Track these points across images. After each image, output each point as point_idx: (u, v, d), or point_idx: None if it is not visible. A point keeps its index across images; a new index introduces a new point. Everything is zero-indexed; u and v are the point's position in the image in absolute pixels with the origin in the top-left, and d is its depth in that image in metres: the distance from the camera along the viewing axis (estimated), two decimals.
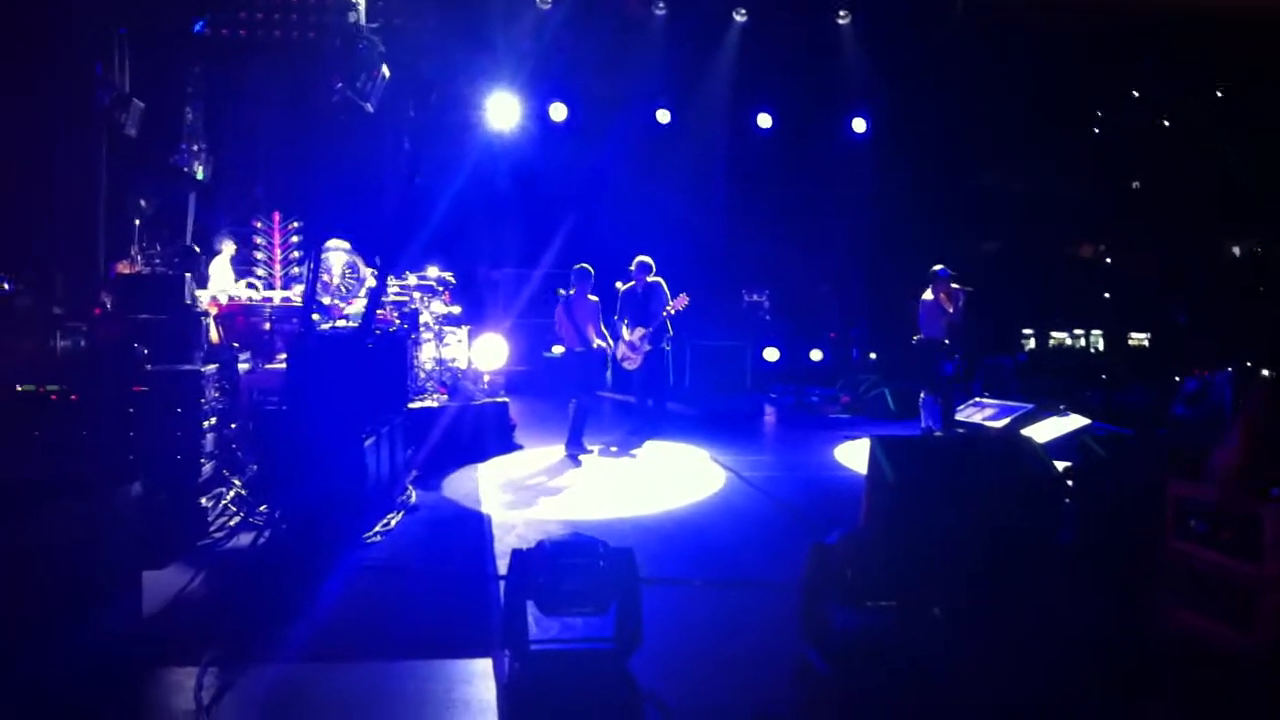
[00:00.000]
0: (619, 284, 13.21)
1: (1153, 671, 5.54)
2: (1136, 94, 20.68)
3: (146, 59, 12.62)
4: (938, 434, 13.11)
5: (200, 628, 6.01)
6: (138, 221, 12.35)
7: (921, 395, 13.53)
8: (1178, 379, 15.38)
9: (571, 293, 12.40)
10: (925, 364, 13.40)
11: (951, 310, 13.14)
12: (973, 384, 15.89)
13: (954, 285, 13.20)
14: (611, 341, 12.80)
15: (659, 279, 13.06)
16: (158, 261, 11.63)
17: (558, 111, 19.20)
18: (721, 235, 20.60)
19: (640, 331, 12.86)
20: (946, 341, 13.28)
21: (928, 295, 13.35)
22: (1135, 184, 21.94)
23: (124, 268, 11.12)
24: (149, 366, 7.92)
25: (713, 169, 20.76)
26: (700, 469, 11.57)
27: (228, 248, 13.59)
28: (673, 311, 12.91)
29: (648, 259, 13.06)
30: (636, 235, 16.34)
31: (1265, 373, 15.02)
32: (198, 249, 12.86)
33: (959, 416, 13.52)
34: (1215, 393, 14.48)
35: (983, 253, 20.74)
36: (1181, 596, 5.68)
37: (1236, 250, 22.58)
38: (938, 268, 13.34)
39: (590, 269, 12.46)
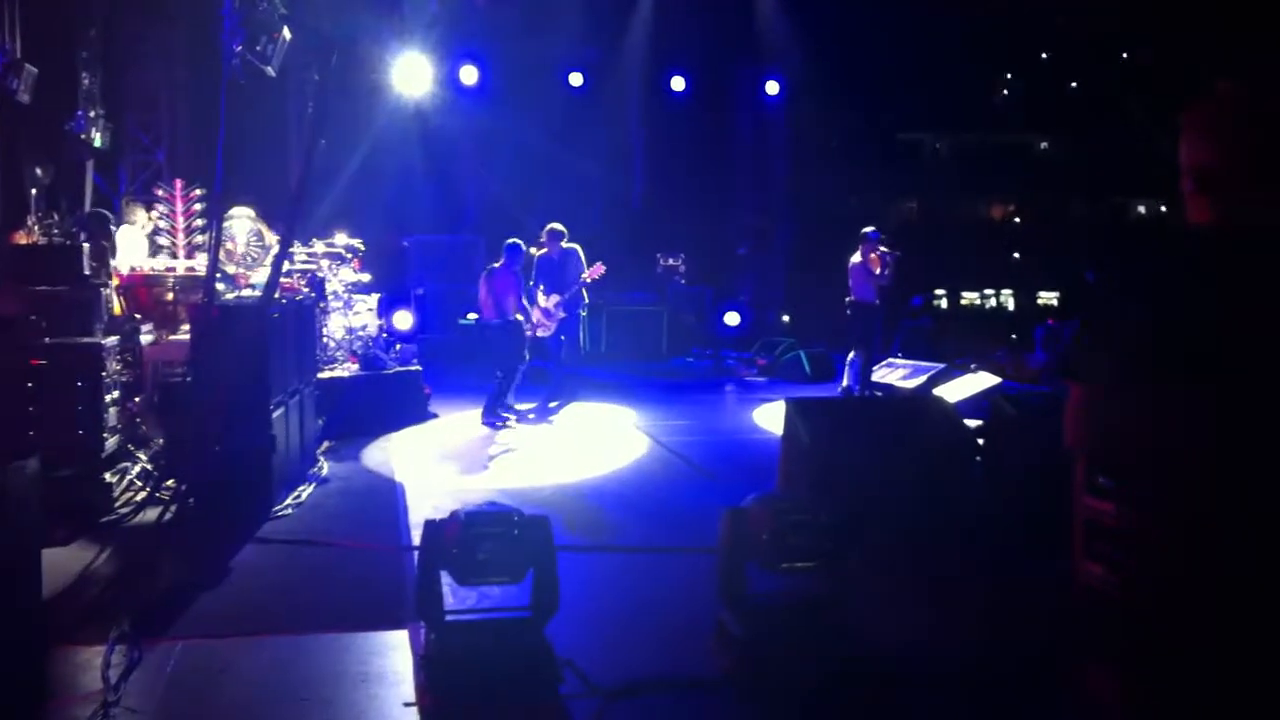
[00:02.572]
0: (533, 249, 13.09)
1: (1065, 624, 5.63)
2: (1045, 55, 20.99)
3: (40, 22, 12.18)
4: (856, 394, 13.22)
5: (106, 605, 5.88)
6: (34, 191, 11.97)
7: (850, 355, 13.56)
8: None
9: (498, 265, 12.19)
10: (856, 325, 13.43)
11: (879, 272, 13.17)
12: (890, 344, 16.03)
13: (883, 248, 13.22)
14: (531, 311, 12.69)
15: (574, 245, 12.97)
16: (56, 232, 11.26)
17: (469, 74, 18.82)
18: (637, 199, 20.53)
19: (556, 298, 12.77)
20: (878, 303, 13.32)
21: (856, 258, 13.34)
22: (1044, 144, 22.33)
23: (20, 238, 10.77)
24: (47, 339, 7.69)
25: (628, 133, 20.66)
26: (617, 434, 11.54)
27: (139, 216, 13.18)
28: (589, 280, 12.84)
29: (560, 226, 12.95)
30: (551, 199, 16.21)
31: None
32: (110, 215, 12.45)
33: (873, 377, 13.63)
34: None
35: (897, 214, 20.94)
36: (1089, 549, 5.77)
37: (1142, 209, 23.07)
38: (868, 230, 13.35)
39: (521, 244, 12.20)
